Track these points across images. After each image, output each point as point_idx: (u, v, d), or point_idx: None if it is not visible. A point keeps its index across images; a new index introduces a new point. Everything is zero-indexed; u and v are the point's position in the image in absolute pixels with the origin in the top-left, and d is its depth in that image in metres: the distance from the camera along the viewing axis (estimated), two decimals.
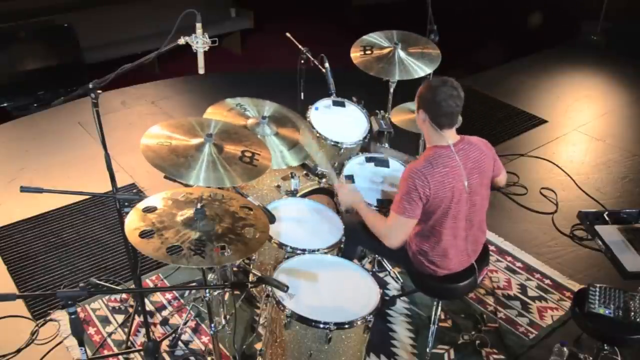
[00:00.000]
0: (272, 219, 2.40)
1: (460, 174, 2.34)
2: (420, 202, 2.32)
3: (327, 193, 3.14)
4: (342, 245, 2.67)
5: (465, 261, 2.53)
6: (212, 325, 2.45)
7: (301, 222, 2.77)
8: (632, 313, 2.40)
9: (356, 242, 2.74)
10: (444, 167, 2.32)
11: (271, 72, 5.98)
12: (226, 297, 2.90)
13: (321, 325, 2.16)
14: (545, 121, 5.04)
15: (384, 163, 3.05)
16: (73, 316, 1.76)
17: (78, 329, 1.80)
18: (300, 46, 3.30)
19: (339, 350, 2.25)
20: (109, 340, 2.84)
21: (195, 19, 2.29)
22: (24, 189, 1.98)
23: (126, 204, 2.11)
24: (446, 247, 2.45)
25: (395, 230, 2.40)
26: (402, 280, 3.21)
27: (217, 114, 2.84)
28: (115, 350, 2.78)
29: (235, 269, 3.02)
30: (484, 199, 2.48)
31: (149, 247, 1.93)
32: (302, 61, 3.29)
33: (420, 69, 3.22)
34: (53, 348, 2.79)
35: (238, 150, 2.33)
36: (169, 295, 3.11)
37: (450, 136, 2.37)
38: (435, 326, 2.74)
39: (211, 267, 2.72)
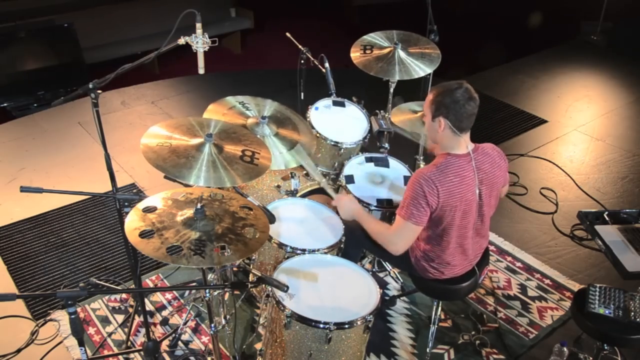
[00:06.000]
0: (272, 219, 2.39)
1: (472, 185, 2.29)
2: (428, 209, 2.26)
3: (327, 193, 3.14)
4: (342, 245, 2.67)
5: (467, 266, 2.54)
6: (212, 325, 2.45)
7: (301, 222, 2.76)
8: (632, 313, 2.40)
9: (358, 244, 2.73)
10: (455, 176, 2.25)
11: (271, 72, 5.98)
12: (226, 297, 2.90)
13: (321, 325, 2.16)
14: (545, 121, 5.04)
15: (384, 163, 3.05)
16: (73, 316, 1.76)
17: (78, 329, 1.79)
18: (300, 46, 3.30)
19: (339, 350, 2.25)
20: (109, 340, 2.84)
21: (195, 19, 2.30)
22: (24, 189, 1.98)
23: (126, 204, 2.11)
24: (452, 255, 2.44)
25: (401, 235, 2.35)
26: (402, 280, 3.21)
27: (217, 112, 2.84)
28: (115, 350, 2.78)
29: (235, 269, 3.02)
30: (492, 209, 2.45)
31: (149, 247, 1.93)
32: (302, 61, 3.29)
33: (420, 69, 3.21)
34: (53, 348, 2.79)
35: (238, 150, 2.33)
36: (169, 295, 3.11)
37: (468, 142, 2.30)
38: (435, 326, 2.74)
39: (211, 267, 2.71)
